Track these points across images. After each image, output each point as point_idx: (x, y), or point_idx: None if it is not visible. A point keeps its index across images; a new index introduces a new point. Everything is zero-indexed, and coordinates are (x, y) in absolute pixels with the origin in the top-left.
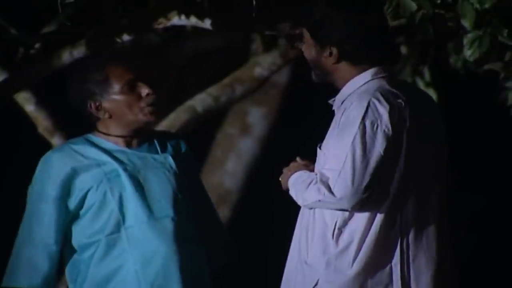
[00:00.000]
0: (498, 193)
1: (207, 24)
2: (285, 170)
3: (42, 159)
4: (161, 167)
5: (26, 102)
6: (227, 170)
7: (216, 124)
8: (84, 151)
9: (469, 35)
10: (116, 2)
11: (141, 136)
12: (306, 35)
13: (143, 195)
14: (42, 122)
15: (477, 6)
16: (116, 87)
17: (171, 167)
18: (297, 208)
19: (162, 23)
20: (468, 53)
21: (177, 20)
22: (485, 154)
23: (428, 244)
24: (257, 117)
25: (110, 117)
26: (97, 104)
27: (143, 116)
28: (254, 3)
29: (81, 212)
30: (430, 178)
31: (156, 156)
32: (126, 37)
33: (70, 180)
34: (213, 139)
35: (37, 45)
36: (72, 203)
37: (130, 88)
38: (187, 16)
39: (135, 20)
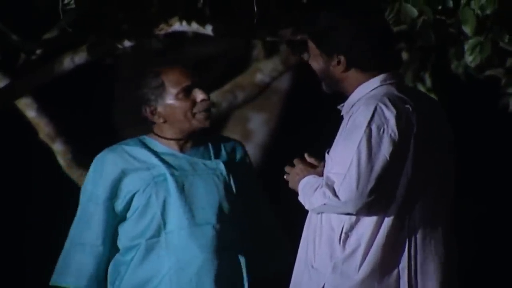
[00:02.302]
0: (500, 198)
1: (208, 30)
2: (292, 172)
3: (96, 159)
4: (211, 173)
5: (28, 108)
6: None
7: (217, 130)
8: (136, 152)
9: (470, 41)
10: (118, 8)
11: (194, 140)
12: (312, 45)
13: (187, 201)
14: (44, 128)
15: (478, 12)
16: (172, 93)
17: (222, 174)
18: (298, 213)
19: (163, 29)
20: (469, 59)
21: (178, 26)
22: (487, 159)
23: (436, 249)
24: (258, 123)
25: (165, 121)
26: (152, 109)
27: (197, 122)
28: (255, 9)
29: (128, 214)
30: (437, 183)
31: (207, 162)
32: (127, 43)
33: (119, 181)
34: None
35: (38, 51)
36: (120, 204)
37: (185, 94)
38: (188, 22)
39: (136, 26)
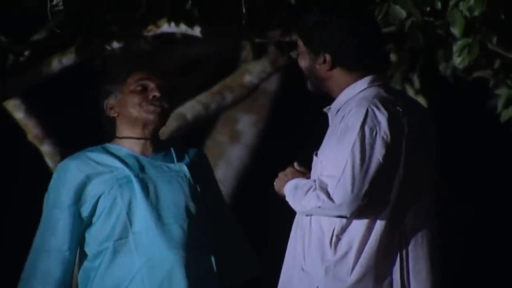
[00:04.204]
0: (489, 199)
1: (196, 31)
2: (280, 175)
3: (59, 166)
4: (175, 176)
5: (16, 109)
6: (217, 178)
7: (206, 132)
8: (99, 158)
9: (459, 43)
10: (106, 9)
11: (156, 144)
12: (300, 43)
13: (153, 202)
14: (32, 129)
15: (467, 13)
16: (129, 88)
17: (185, 176)
18: (288, 214)
19: (151, 30)
20: (457, 60)
21: (166, 27)
22: (475, 161)
23: (427, 250)
24: (246, 125)
25: (118, 115)
26: (111, 102)
27: (143, 113)
28: (244, 10)
29: (94, 218)
30: (426, 186)
31: (171, 165)
32: (115, 44)
33: (84, 187)
34: (203, 146)
35: (26, 53)
36: (86, 210)
37: (141, 90)
38: (177, 24)
39: (124, 27)
